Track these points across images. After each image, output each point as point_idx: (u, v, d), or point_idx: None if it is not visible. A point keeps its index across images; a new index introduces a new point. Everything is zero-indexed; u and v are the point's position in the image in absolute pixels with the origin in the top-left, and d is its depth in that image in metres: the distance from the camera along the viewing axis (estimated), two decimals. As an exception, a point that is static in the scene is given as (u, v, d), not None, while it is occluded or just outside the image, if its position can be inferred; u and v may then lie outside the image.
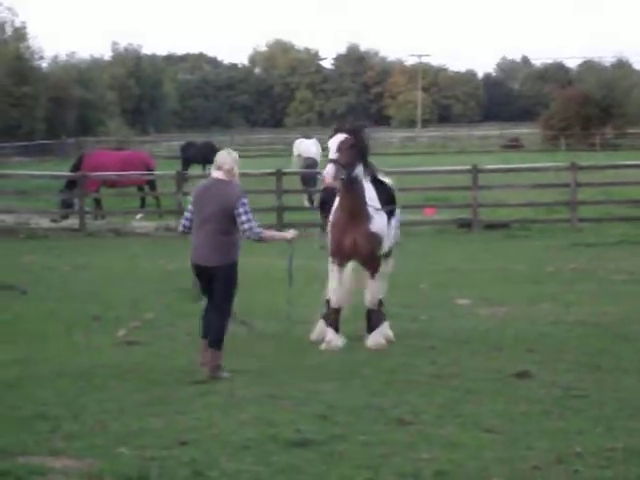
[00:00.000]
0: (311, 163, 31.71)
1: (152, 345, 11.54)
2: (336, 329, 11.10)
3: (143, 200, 29.31)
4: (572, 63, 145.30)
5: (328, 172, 10.49)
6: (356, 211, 10.87)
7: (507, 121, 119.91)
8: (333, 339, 11.04)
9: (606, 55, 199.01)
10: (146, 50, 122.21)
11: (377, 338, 11.19)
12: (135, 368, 10.22)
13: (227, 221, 9.56)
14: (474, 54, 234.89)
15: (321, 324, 11.40)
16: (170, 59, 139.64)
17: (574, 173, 24.66)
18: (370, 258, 11.05)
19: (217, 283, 9.66)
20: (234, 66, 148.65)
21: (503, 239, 22.66)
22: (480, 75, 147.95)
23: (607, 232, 22.93)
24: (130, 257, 20.42)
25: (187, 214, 9.90)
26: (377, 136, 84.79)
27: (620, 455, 7.07)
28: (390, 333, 11.41)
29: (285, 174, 26.57)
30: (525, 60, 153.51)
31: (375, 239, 10.97)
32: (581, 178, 25.15)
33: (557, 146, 66.88)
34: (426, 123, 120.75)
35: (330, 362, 10.40)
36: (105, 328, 12.60)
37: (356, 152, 10.70)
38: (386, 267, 11.62)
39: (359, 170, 10.81)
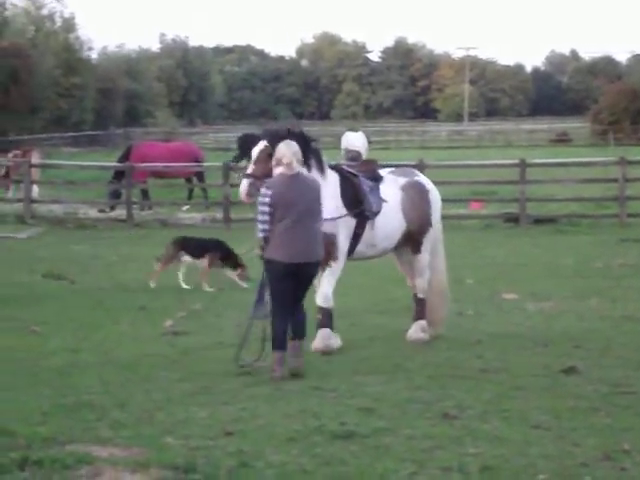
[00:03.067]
0: (355, 156, 31.70)
1: (198, 335, 11.60)
2: (330, 327, 10.67)
3: (191, 191, 29.44)
4: (621, 57, 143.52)
5: (242, 189, 10.07)
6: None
7: (555, 115, 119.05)
8: (329, 337, 10.63)
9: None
10: (193, 42, 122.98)
11: (325, 339, 10.60)
12: (181, 358, 10.28)
13: (319, 213, 9.53)
14: (523, 47, 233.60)
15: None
16: (217, 51, 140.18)
17: (623, 168, 24.40)
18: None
19: (308, 279, 9.51)
20: (281, 58, 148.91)
21: (551, 234, 22.48)
22: (528, 69, 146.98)
23: (656, 228, 22.65)
24: (177, 248, 20.48)
25: (265, 217, 9.28)
26: (424, 129, 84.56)
27: (669, 453, 6.99)
28: (330, 342, 10.60)
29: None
30: (574, 54, 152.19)
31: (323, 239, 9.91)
32: (630, 173, 24.86)
33: (606, 141, 66.17)
34: (473, 117, 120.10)
35: (375, 355, 10.39)
36: (152, 318, 12.68)
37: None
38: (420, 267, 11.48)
39: (313, 171, 10.31)
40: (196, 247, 15.50)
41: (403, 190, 11.29)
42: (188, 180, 29.57)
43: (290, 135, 10.00)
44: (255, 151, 10.14)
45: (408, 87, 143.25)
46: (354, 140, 35.26)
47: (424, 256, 11.49)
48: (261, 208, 9.32)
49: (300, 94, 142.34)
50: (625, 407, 8.26)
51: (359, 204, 10.79)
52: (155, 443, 7.14)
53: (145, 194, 27.96)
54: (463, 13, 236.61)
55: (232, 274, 15.32)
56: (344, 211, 10.68)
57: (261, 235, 9.34)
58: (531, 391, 8.80)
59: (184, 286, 15.19)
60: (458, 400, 8.44)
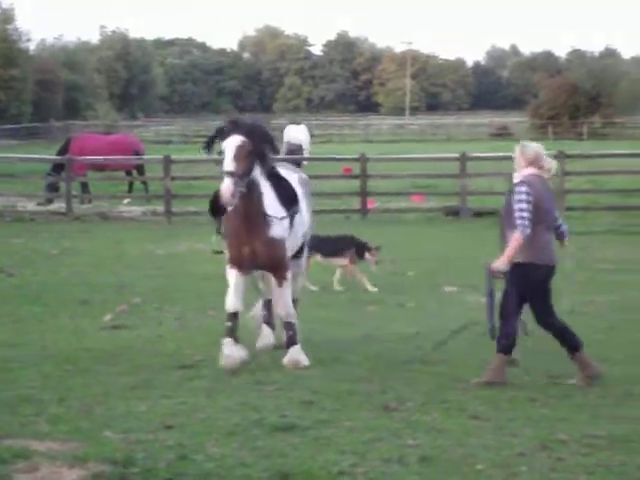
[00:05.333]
0: (293, 149, 31.88)
1: (138, 329, 11.53)
2: (235, 339, 9.58)
3: (131, 184, 29.24)
4: (561, 52, 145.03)
5: (226, 188, 8.97)
6: (253, 217, 9.40)
7: (496, 109, 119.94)
8: (232, 353, 9.46)
9: (595, 44, 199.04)
10: (134, 34, 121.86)
11: (296, 355, 9.69)
12: (121, 352, 10.21)
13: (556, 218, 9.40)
14: (463, 42, 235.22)
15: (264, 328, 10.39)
16: (159, 43, 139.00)
17: (561, 162, 24.69)
18: (273, 265, 9.62)
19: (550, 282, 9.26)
20: (223, 51, 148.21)
21: (490, 227, 22.55)
22: (469, 63, 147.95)
23: (595, 221, 22.98)
24: (117, 241, 20.37)
25: (529, 215, 8.90)
26: (366, 123, 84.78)
27: (604, 442, 7.10)
28: (301, 358, 9.68)
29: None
30: (514, 48, 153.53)
31: (276, 245, 9.52)
32: (568, 167, 25.19)
33: (545, 135, 66.89)
34: (415, 111, 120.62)
35: (315, 348, 10.39)
36: (91, 312, 12.58)
37: (254, 157, 9.26)
38: (297, 269, 10.48)
39: (256, 173, 9.40)
40: (329, 245, 14.74)
41: (301, 186, 10.39)
42: (128, 173, 29.37)
43: (258, 130, 9.42)
44: (232, 146, 9.15)
45: (350, 81, 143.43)
46: (296, 133, 35.39)
47: (304, 259, 10.88)
48: (524, 206, 8.87)
49: (242, 87, 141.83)
50: (562, 397, 8.38)
51: (295, 202, 9.92)
52: (94, 437, 7.08)
53: (85, 187, 27.73)
54: (404, 7, 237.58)
55: (362, 277, 14.51)
56: (283, 212, 9.75)
57: (527, 231, 8.84)
58: (470, 382, 8.88)
59: (337, 288, 14.54)
60: (398, 392, 8.50)
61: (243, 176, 9.10)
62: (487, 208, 24.79)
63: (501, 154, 33.13)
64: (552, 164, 9.28)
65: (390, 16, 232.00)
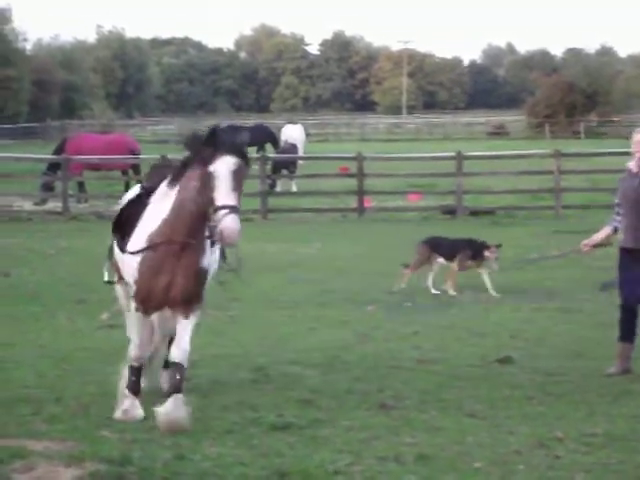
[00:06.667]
0: (287, 148, 31.99)
1: (135, 329, 11.49)
2: (137, 393, 7.89)
3: (127, 184, 29.17)
4: (557, 50, 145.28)
5: (236, 227, 7.10)
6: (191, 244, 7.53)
7: (493, 108, 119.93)
8: (131, 407, 7.77)
9: (590, 43, 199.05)
10: (131, 34, 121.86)
11: (175, 411, 7.41)
12: (117, 351, 10.18)
13: None
14: (460, 41, 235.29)
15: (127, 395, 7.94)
16: (155, 43, 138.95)
17: (558, 160, 24.72)
18: (191, 299, 7.67)
19: None
20: (219, 50, 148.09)
21: (488, 226, 22.64)
22: (466, 62, 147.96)
23: (591, 219, 22.85)
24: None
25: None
26: (363, 122, 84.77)
27: (601, 440, 7.11)
28: (182, 416, 7.40)
29: (269, 159, 26.58)
30: (510, 47, 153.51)
31: (203, 277, 7.73)
32: (565, 165, 25.19)
33: (542, 133, 66.94)
34: (411, 109, 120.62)
35: (313, 347, 10.40)
36: (89, 311, 12.55)
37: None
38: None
39: None
40: (449, 247, 14.21)
41: None
42: (124, 173, 29.33)
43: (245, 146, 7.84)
44: (227, 171, 7.26)
45: (347, 80, 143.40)
46: (292, 132, 35.50)
47: None
48: None
49: (238, 86, 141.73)
50: (558, 396, 8.38)
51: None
52: (91, 436, 7.09)
53: (81, 186, 27.71)
54: (401, 6, 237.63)
55: (486, 277, 13.94)
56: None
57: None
58: (467, 381, 8.90)
59: (433, 291, 13.90)
60: (395, 391, 8.50)
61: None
62: (483, 207, 24.81)
63: (497, 153, 33.27)
64: None
65: (386, 15, 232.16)
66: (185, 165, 7.57)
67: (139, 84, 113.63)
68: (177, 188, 7.53)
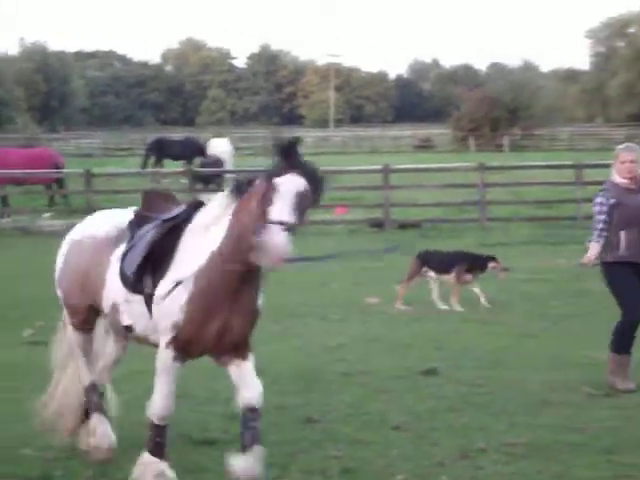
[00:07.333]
0: (209, 162, 32.07)
1: (58, 345, 11.33)
2: (163, 456, 6.69)
3: (52, 198, 28.86)
4: (481, 65, 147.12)
5: (283, 245, 5.95)
6: (251, 281, 6.50)
7: (419, 122, 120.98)
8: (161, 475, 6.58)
9: (514, 58, 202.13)
10: (54, 46, 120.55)
11: (254, 468, 6.43)
12: (38, 368, 10.03)
13: None
14: (386, 55, 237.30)
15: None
16: (79, 56, 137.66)
17: (482, 173, 25.03)
18: (246, 340, 6.86)
19: None
20: (145, 64, 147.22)
21: (415, 238, 22.83)
22: (392, 76, 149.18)
23: (515, 232, 23.26)
24: (37, 256, 20.04)
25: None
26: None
27: (522, 450, 7.21)
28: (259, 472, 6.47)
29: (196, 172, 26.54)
30: (435, 62, 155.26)
31: (257, 318, 6.84)
32: (489, 178, 25.51)
33: (467, 147, 67.71)
34: (339, 123, 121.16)
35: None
36: (11, 327, 12.37)
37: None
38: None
39: None
40: (440, 261, 14.03)
41: None
42: (48, 187, 28.99)
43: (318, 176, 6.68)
44: (291, 193, 6.17)
45: (274, 93, 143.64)
46: (216, 145, 35.54)
47: None
48: None
49: (164, 99, 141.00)
50: (481, 406, 8.48)
51: None
52: (11, 455, 6.97)
53: (4, 201, 27.31)
54: (328, 21, 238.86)
55: (479, 291, 13.83)
56: None
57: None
58: (392, 393, 8.95)
59: (441, 306, 13.74)
60: (321, 404, 8.52)
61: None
62: (410, 220, 24.99)
63: (423, 165, 33.51)
64: None
65: (313, 30, 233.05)
66: (251, 181, 6.36)
67: (63, 97, 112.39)
68: (233, 209, 6.37)
